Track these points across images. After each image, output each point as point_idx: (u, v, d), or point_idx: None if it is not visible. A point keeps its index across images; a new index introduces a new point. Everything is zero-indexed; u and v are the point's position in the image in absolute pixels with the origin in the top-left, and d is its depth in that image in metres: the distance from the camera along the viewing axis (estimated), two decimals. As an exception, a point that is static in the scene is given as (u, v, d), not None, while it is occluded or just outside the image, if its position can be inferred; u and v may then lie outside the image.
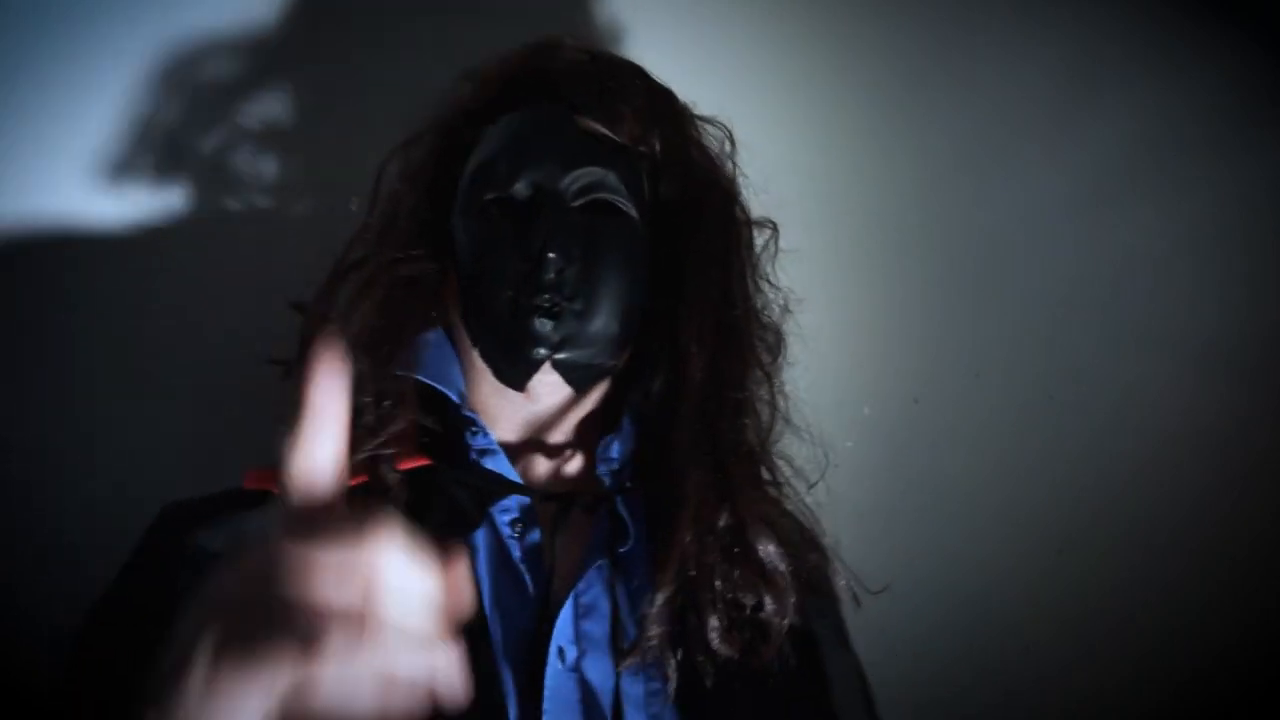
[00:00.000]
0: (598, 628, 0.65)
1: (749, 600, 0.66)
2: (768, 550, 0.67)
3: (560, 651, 0.63)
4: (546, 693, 0.61)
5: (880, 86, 0.95)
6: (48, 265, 0.90)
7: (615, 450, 0.72)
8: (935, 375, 0.95)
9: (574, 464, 0.74)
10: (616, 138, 0.73)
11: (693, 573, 0.65)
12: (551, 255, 0.67)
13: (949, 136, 0.95)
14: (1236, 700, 0.92)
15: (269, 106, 0.93)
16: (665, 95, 0.79)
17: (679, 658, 0.64)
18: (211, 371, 0.90)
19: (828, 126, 0.94)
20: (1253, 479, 0.94)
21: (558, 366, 0.69)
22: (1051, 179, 0.95)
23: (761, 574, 0.66)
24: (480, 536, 0.67)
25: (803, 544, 0.71)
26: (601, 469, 0.71)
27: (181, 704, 0.36)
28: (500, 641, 0.63)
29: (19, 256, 0.90)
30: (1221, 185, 0.94)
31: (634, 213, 0.72)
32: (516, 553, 0.67)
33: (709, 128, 0.81)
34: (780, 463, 0.74)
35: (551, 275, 0.67)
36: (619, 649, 0.64)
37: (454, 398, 0.71)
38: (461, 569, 0.40)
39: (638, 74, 0.78)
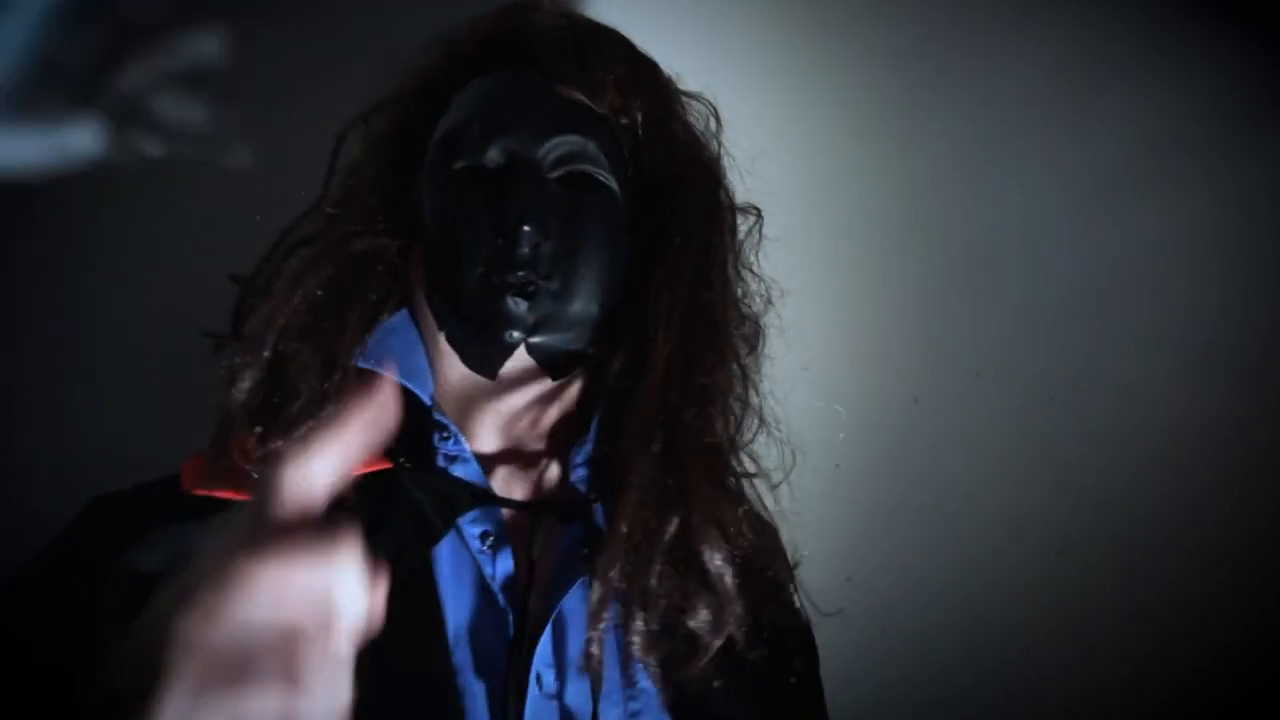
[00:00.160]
0: (577, 649, 0.61)
1: (683, 609, 0.61)
2: (714, 558, 0.62)
3: (538, 678, 0.59)
4: None
5: (878, 87, 0.95)
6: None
7: (589, 454, 0.67)
8: (935, 375, 0.95)
9: (549, 471, 0.68)
10: (596, 107, 0.67)
11: (629, 569, 0.60)
12: (527, 229, 0.62)
13: (948, 135, 0.95)
14: (1236, 700, 0.92)
15: (204, 48, 0.90)
16: (648, 65, 0.73)
17: (629, 669, 0.60)
18: (135, 342, 0.88)
19: (820, 117, 0.94)
20: (1253, 479, 0.94)
21: (533, 351, 0.64)
22: (1051, 179, 0.95)
23: (702, 583, 0.61)
24: (445, 550, 0.62)
25: (762, 553, 0.66)
26: (577, 475, 0.66)
27: None
28: (470, 665, 0.58)
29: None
30: (1221, 185, 0.94)
31: (615, 186, 0.67)
32: (488, 569, 0.62)
33: (693, 104, 0.76)
34: (750, 462, 0.70)
35: (526, 251, 0.62)
36: (596, 672, 0.59)
37: (425, 399, 0.65)
38: (383, 591, 0.38)
39: (619, 41, 0.72)
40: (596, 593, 0.60)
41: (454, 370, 0.66)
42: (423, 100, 0.71)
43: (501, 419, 0.67)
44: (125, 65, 0.89)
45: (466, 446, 0.65)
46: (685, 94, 0.76)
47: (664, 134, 0.71)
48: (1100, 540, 0.94)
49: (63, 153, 0.89)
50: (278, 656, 0.33)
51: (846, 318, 0.91)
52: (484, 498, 0.64)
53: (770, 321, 0.74)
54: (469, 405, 0.67)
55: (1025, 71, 0.95)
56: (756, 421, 0.70)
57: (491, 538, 0.63)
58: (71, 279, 0.91)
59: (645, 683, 0.61)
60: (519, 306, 0.62)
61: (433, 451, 0.65)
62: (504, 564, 0.62)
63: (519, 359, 0.64)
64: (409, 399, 0.65)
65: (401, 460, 0.63)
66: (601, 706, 0.59)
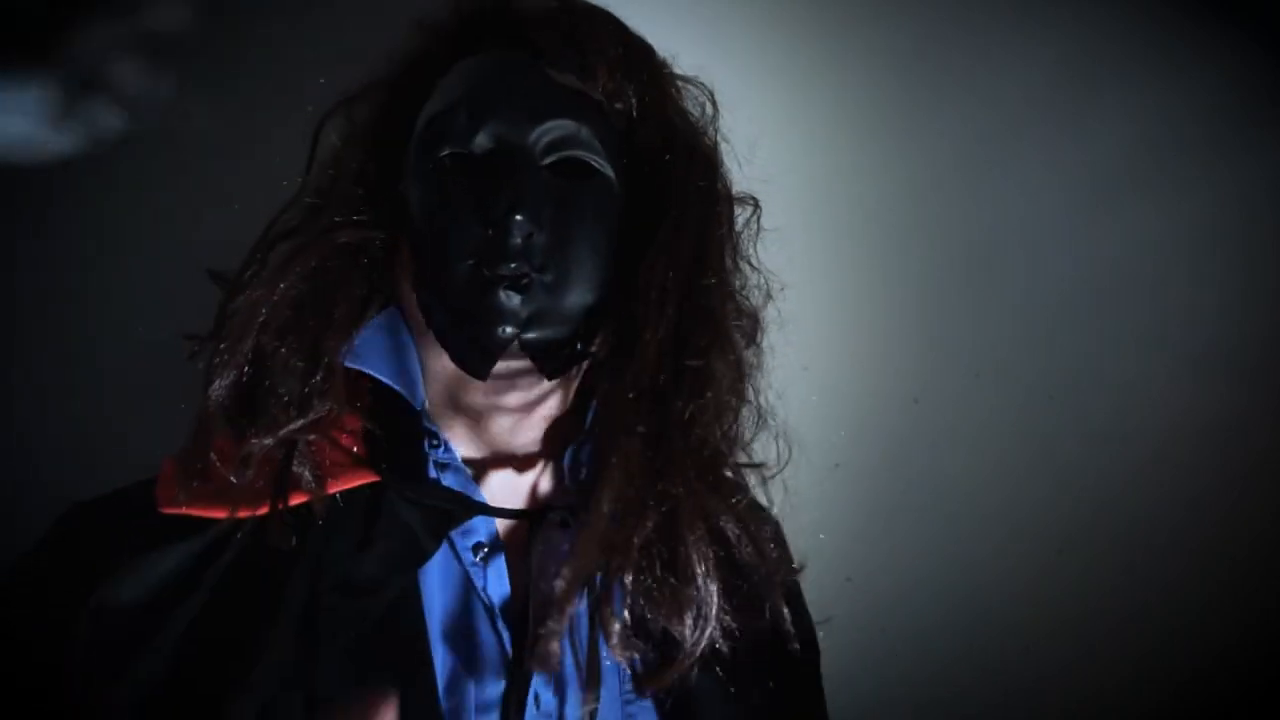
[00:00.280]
0: (573, 664, 0.58)
1: (660, 604, 0.57)
2: (697, 551, 0.58)
3: (536, 698, 0.57)
4: None
5: (877, 87, 0.95)
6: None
7: (584, 456, 0.64)
8: (935, 375, 0.95)
9: (544, 475, 0.65)
10: (589, 91, 0.64)
11: (610, 556, 0.57)
12: (518, 218, 0.58)
13: (948, 135, 0.95)
14: (1236, 700, 0.92)
15: (192, 36, 0.88)
16: (642, 48, 0.70)
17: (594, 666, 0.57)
18: (130, 337, 0.87)
19: (819, 117, 0.94)
20: (1253, 479, 0.94)
21: (526, 347, 0.60)
22: (1051, 179, 0.95)
23: (683, 578, 0.58)
24: (435, 565, 0.59)
25: (757, 548, 0.62)
26: (570, 479, 0.63)
27: None
28: (462, 687, 0.56)
29: None
30: (1221, 185, 0.94)
31: (609, 172, 0.64)
32: (480, 582, 0.59)
33: (690, 88, 0.72)
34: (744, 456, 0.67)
35: (518, 242, 0.59)
36: (594, 689, 0.57)
37: (414, 404, 0.63)
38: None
39: (612, 22, 0.69)
40: (569, 574, 0.56)
41: (445, 370, 0.63)
42: (407, 85, 0.67)
43: (494, 421, 0.64)
44: (112, 55, 0.89)
45: (456, 454, 0.63)
46: (681, 78, 0.73)
47: (659, 119, 0.68)
48: (1100, 540, 0.94)
49: (43, 143, 0.89)
50: None
51: (846, 317, 0.92)
52: (477, 509, 0.61)
53: (770, 316, 0.71)
54: (460, 407, 0.64)
55: (1025, 71, 0.95)
56: (755, 417, 0.67)
57: (485, 549, 0.61)
58: (66, 274, 0.91)
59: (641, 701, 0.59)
60: (511, 300, 0.59)
61: (423, 460, 0.62)
62: (498, 577, 0.60)
63: (512, 357, 0.61)
64: (398, 403, 0.63)
65: (385, 467, 0.61)
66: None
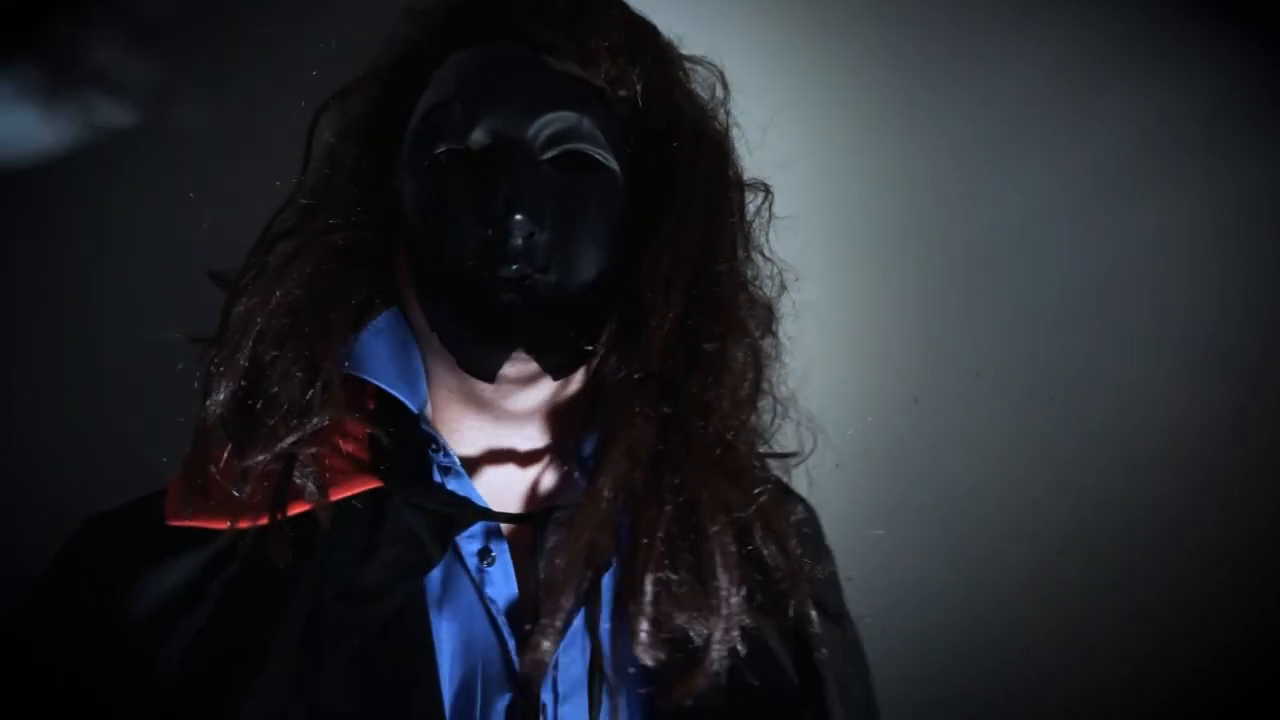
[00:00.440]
0: (579, 668, 0.57)
1: (683, 613, 0.54)
2: (720, 546, 0.55)
3: (543, 707, 0.55)
4: None
5: (877, 88, 0.95)
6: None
7: (589, 449, 0.61)
8: (935, 375, 0.95)
9: (551, 476, 0.64)
10: (590, 79, 0.61)
11: (624, 557, 0.54)
12: (518, 218, 0.55)
13: (948, 135, 0.95)
14: (1236, 700, 0.92)
15: (193, 35, 0.88)
16: (646, 30, 0.67)
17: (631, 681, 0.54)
18: (131, 338, 0.86)
19: (818, 118, 0.94)
20: (1253, 479, 0.94)
21: (531, 350, 0.58)
22: (1051, 178, 0.95)
23: (709, 581, 0.55)
24: (441, 570, 0.58)
25: (778, 551, 0.59)
26: (578, 474, 0.61)
27: None
28: (469, 699, 0.55)
29: None
30: (1221, 185, 0.94)
31: (613, 165, 0.61)
32: (488, 590, 0.58)
33: (698, 69, 0.69)
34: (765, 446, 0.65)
35: (519, 242, 0.56)
36: (596, 696, 0.55)
37: (413, 408, 0.61)
38: None
39: (614, 3, 0.66)
40: (564, 560, 0.53)
41: (449, 373, 0.62)
42: (400, 77, 0.65)
43: (500, 422, 0.63)
44: (128, 60, 0.89)
45: (456, 458, 0.61)
46: (689, 58, 0.70)
47: (666, 104, 0.65)
48: (1100, 540, 0.94)
49: (41, 142, 0.89)
50: None
51: (846, 317, 0.92)
52: (480, 514, 0.60)
53: (785, 308, 0.68)
54: (466, 410, 0.63)
55: (1025, 71, 0.95)
56: (774, 408, 0.64)
57: (490, 554, 0.59)
58: (66, 274, 0.91)
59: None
60: (514, 303, 0.57)
61: (427, 464, 0.61)
62: (504, 582, 0.59)
63: (517, 359, 0.59)
64: (399, 407, 0.61)
65: (387, 472, 0.59)
66: None
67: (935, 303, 0.96)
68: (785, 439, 0.67)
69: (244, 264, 0.62)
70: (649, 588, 0.54)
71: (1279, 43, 0.92)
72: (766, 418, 0.65)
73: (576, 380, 0.64)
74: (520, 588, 0.59)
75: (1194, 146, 0.94)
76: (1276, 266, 0.94)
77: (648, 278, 0.60)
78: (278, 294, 0.59)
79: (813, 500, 0.73)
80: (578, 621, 0.57)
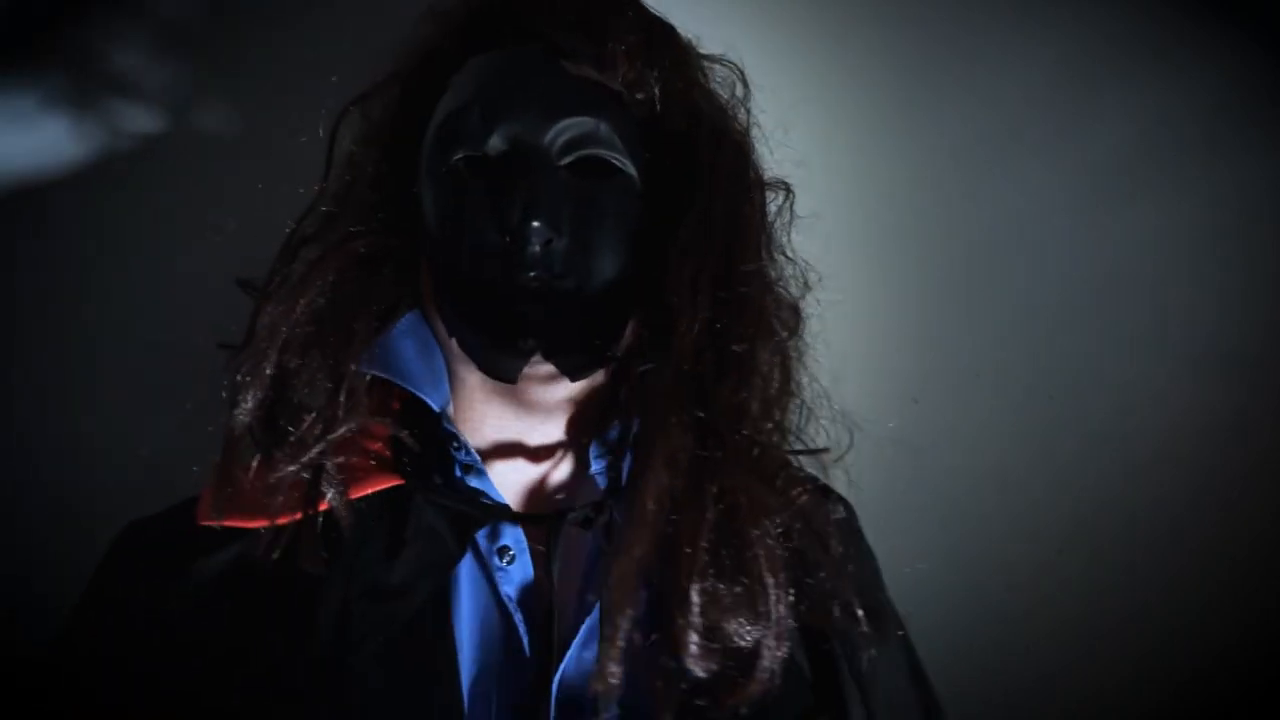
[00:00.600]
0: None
1: (731, 621, 0.53)
2: (764, 561, 0.54)
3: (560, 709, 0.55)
4: None
5: (877, 88, 0.95)
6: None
7: (609, 443, 0.62)
8: (935, 375, 0.95)
9: (571, 470, 0.64)
10: (608, 82, 0.61)
11: (666, 567, 0.53)
12: (536, 225, 0.56)
13: (947, 135, 0.95)
14: (1236, 700, 0.92)
15: (210, 38, 0.89)
16: (664, 30, 0.67)
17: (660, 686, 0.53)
18: (205, 369, 0.89)
19: (818, 118, 0.94)
20: (1253, 479, 0.93)
21: (550, 356, 0.59)
22: (1051, 178, 0.95)
23: (755, 587, 0.54)
24: (463, 568, 0.59)
25: (821, 552, 0.58)
26: (596, 468, 0.62)
27: None
28: (487, 698, 0.55)
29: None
30: (1221, 185, 0.94)
31: (631, 170, 0.61)
32: (505, 588, 0.58)
33: (716, 68, 0.69)
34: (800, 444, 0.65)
35: (537, 249, 0.56)
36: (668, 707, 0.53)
37: (435, 407, 0.62)
38: None
39: (630, 5, 0.66)
40: (617, 578, 0.52)
41: (471, 373, 0.62)
42: (420, 81, 0.65)
43: (522, 420, 0.63)
44: (113, 49, 0.89)
45: (477, 456, 0.62)
46: (707, 58, 0.69)
47: (685, 106, 0.65)
48: (1100, 540, 0.94)
49: (58, 148, 0.89)
50: None
51: (846, 317, 0.91)
52: (499, 513, 0.60)
53: (812, 309, 0.68)
54: (488, 408, 0.63)
55: (1025, 71, 0.95)
56: (803, 408, 0.64)
57: (510, 553, 0.59)
58: (70, 277, 0.91)
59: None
60: (533, 310, 0.58)
61: (450, 463, 0.62)
62: (523, 580, 0.59)
63: (537, 364, 0.59)
64: (422, 407, 0.62)
65: (409, 471, 0.60)
66: None
67: (935, 303, 0.96)
68: (814, 437, 0.67)
69: (269, 271, 0.63)
70: (696, 598, 0.53)
71: (1279, 43, 0.92)
72: (794, 417, 0.64)
73: (598, 375, 0.64)
74: (537, 585, 0.59)
75: (1194, 146, 0.94)
76: (1276, 266, 0.94)
77: (674, 282, 0.59)
78: (302, 302, 0.59)
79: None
80: (589, 626, 0.57)
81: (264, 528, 0.58)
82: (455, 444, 0.62)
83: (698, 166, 0.63)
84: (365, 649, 0.55)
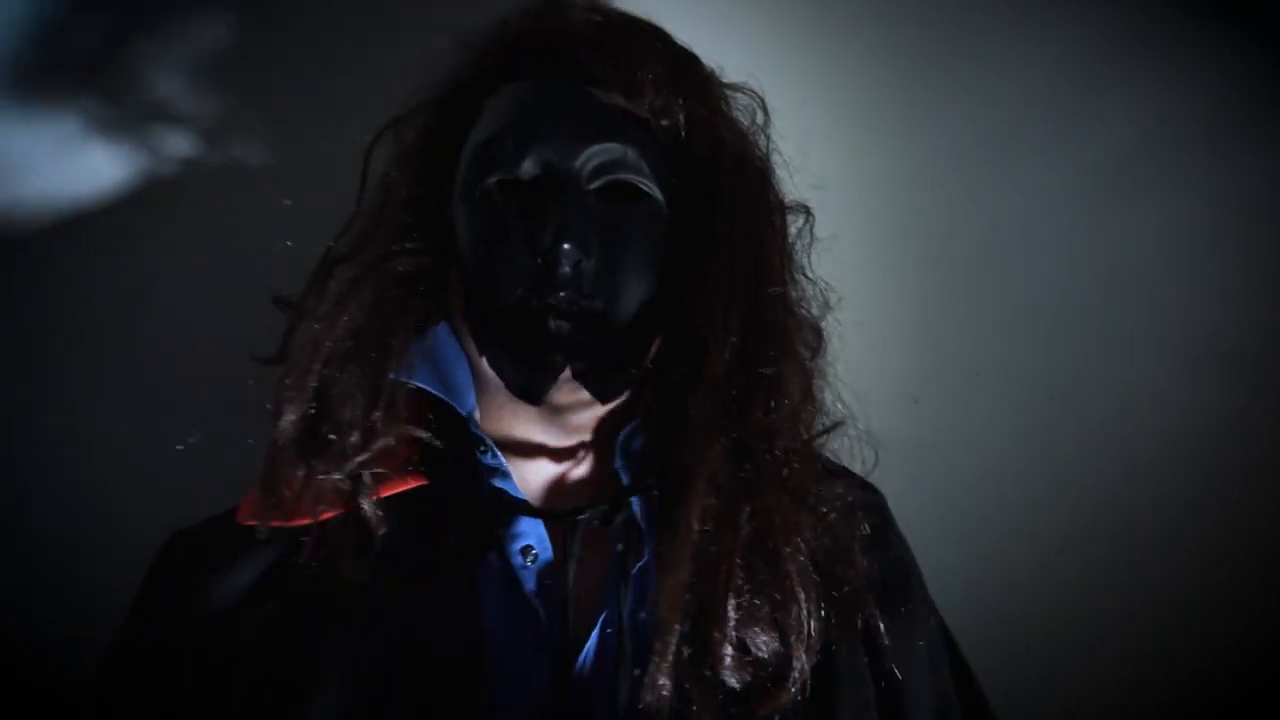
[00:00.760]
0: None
1: (765, 632, 0.57)
2: (796, 575, 0.57)
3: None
4: None
5: (878, 88, 0.95)
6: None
7: (634, 445, 0.65)
8: (935, 375, 0.95)
9: (588, 466, 0.67)
10: (635, 109, 0.64)
11: (703, 584, 0.56)
12: (566, 247, 0.58)
13: (947, 135, 0.95)
14: (1236, 700, 0.92)
15: (231, 54, 0.91)
16: (688, 60, 0.70)
17: (694, 692, 0.55)
18: (207, 370, 0.89)
19: (818, 118, 0.94)
20: (1253, 479, 0.94)
21: (578, 375, 0.62)
22: (1051, 178, 0.95)
23: (786, 601, 0.57)
24: (487, 565, 0.61)
25: (847, 566, 0.61)
26: (619, 464, 0.64)
27: None
28: (512, 690, 0.57)
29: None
30: (1221, 185, 0.94)
31: (657, 194, 0.64)
32: (530, 585, 0.60)
33: (738, 96, 0.72)
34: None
35: (567, 270, 0.59)
36: (635, 687, 0.56)
37: (463, 412, 0.65)
38: None
39: (657, 36, 0.69)
40: (664, 596, 0.56)
41: (499, 390, 0.64)
42: (453, 107, 0.68)
43: (547, 431, 0.66)
44: (151, 74, 0.90)
45: (503, 459, 0.64)
46: (729, 86, 0.72)
47: (708, 133, 0.68)
48: (1100, 540, 0.94)
49: (79, 160, 0.90)
50: None
51: (846, 317, 0.91)
52: (522, 511, 0.63)
53: (830, 326, 0.72)
54: (515, 415, 0.66)
55: (1025, 71, 0.95)
56: (829, 424, 0.68)
57: (533, 552, 0.61)
58: (77, 283, 0.91)
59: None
60: (561, 329, 0.60)
61: (475, 465, 0.64)
62: (545, 577, 0.61)
63: (564, 384, 0.62)
64: (450, 412, 0.65)
65: (436, 472, 0.63)
66: None
67: (935, 303, 0.96)
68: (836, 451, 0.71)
69: (306, 287, 0.66)
70: (732, 612, 0.56)
71: (1279, 43, 0.92)
72: (825, 435, 0.68)
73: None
74: (558, 580, 0.61)
75: (1194, 146, 0.94)
76: (1276, 266, 0.94)
77: (704, 309, 0.63)
78: (344, 320, 0.63)
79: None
80: (626, 616, 0.59)
81: (301, 528, 0.61)
82: (481, 447, 0.64)
83: (721, 192, 0.66)
84: (394, 643, 0.57)
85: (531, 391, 0.62)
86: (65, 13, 0.89)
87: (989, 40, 0.95)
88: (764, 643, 0.57)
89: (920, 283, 0.96)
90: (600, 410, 0.66)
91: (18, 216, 0.90)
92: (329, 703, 0.56)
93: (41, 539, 0.89)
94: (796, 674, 0.56)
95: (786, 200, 0.71)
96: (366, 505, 0.60)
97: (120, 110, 0.91)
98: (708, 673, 0.55)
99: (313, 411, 0.62)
